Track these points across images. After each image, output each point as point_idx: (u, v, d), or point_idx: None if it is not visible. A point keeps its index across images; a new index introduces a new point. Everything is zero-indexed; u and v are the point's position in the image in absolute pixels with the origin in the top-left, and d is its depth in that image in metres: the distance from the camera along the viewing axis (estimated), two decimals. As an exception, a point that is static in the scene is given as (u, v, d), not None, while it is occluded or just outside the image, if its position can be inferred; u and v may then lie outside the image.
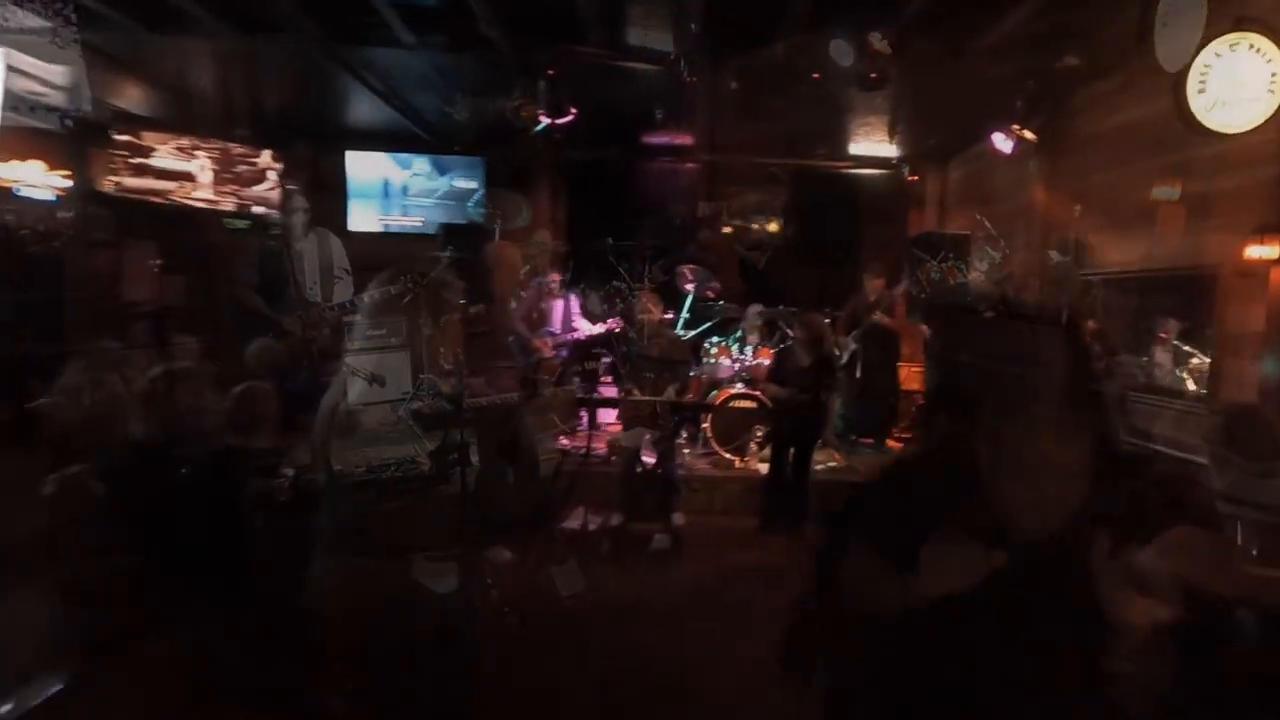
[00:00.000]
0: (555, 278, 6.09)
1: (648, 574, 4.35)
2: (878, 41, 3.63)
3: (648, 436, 4.73)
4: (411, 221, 7.41)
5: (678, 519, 4.93)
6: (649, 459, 4.89)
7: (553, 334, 6.07)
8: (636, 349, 4.52)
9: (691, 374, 5.41)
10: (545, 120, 4.76)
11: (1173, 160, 4.08)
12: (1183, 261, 4.04)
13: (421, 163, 7.33)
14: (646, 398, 4.60)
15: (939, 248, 4.55)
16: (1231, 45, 3.13)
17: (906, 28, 4.17)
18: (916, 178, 7.20)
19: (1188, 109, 3.20)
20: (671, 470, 4.90)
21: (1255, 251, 3.26)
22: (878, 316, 6.11)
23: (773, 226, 7.40)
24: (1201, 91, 3.17)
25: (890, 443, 6.59)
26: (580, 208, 7.51)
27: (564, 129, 5.13)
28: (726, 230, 7.18)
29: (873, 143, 6.76)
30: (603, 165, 7.34)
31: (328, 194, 7.28)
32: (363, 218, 7.34)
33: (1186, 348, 4.71)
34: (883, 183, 7.32)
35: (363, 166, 7.27)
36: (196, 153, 6.01)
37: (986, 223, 5.29)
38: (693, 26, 3.93)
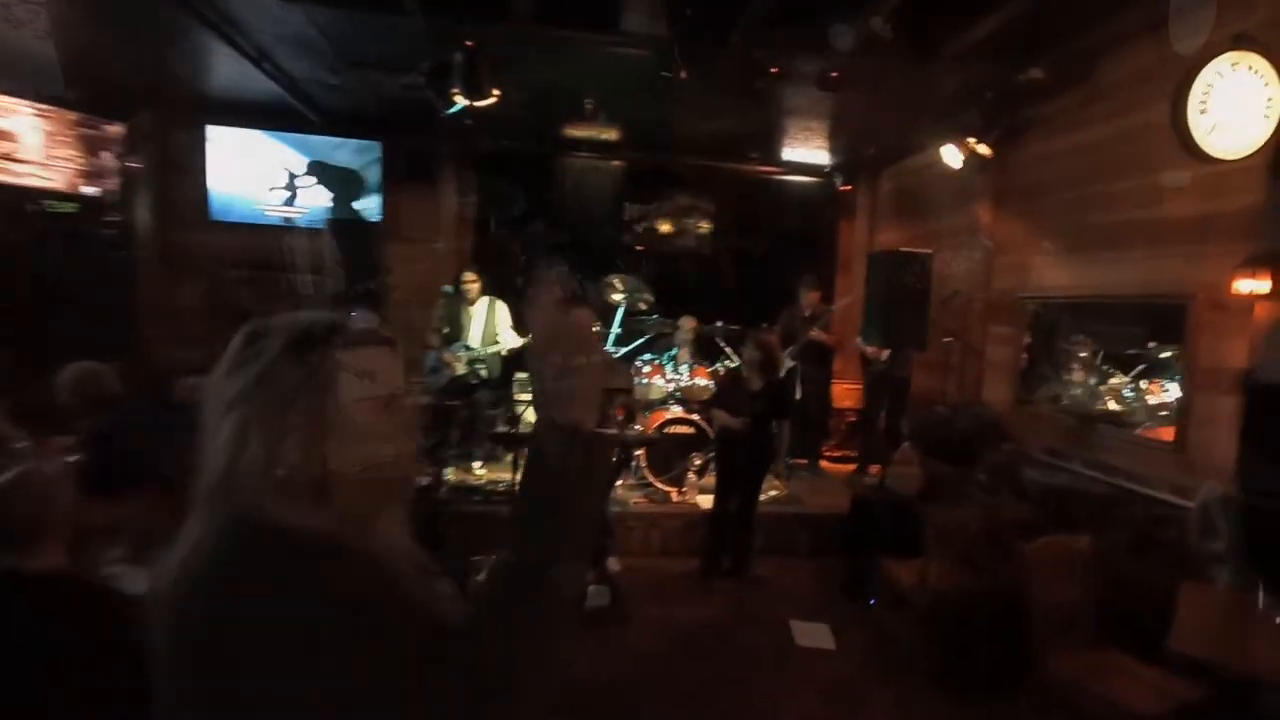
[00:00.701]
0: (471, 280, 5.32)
1: (585, 644, 3.71)
2: (879, 26, 3.17)
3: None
4: (287, 212, 6.32)
5: (613, 565, 4.33)
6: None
7: (468, 349, 5.29)
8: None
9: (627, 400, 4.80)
10: (460, 102, 3.98)
11: (1136, 184, 3.93)
12: (1145, 289, 3.89)
13: (301, 143, 6.25)
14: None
15: (899, 266, 4.19)
16: (1233, 64, 2.91)
17: (861, 33, 3.79)
18: (850, 187, 6.95)
19: (1188, 131, 2.95)
20: (605, 511, 4.28)
21: (1244, 285, 3.07)
22: (815, 333, 5.77)
23: (704, 228, 6.95)
24: (1203, 112, 2.93)
25: (823, 463, 6.32)
26: (493, 207, 6.70)
27: (482, 114, 4.37)
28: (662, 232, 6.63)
29: (808, 148, 6.42)
30: (520, 158, 6.57)
31: (182, 175, 6.09)
32: (228, 205, 6.18)
33: (1105, 367, 4.67)
34: (815, 191, 7.03)
35: (228, 145, 6.11)
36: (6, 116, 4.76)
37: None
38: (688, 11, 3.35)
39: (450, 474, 5.25)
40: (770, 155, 6.65)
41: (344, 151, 6.32)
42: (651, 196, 6.87)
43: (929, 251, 4.35)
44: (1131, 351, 4.34)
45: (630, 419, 4.16)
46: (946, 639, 3.21)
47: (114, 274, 5.51)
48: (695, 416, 5.23)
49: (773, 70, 4.04)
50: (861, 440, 5.84)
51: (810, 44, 4.02)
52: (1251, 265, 3.07)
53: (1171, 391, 4.06)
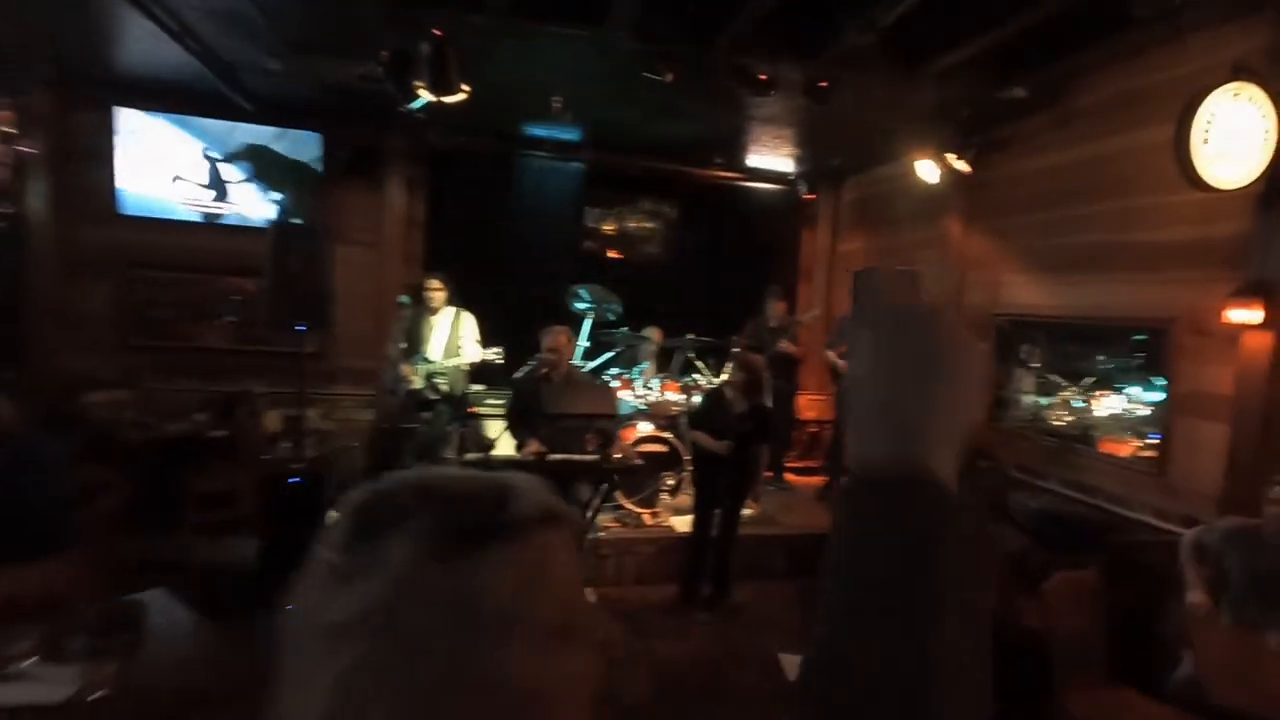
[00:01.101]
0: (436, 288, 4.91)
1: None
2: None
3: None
4: (212, 208, 5.69)
5: (588, 596, 4.04)
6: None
7: (428, 362, 4.87)
8: (545, 396, 3.54)
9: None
10: (425, 97, 3.60)
11: (1114, 207, 3.97)
12: (1123, 312, 3.92)
13: (228, 132, 5.64)
14: (557, 457, 3.65)
15: (886, 284, 4.09)
16: (1234, 94, 2.91)
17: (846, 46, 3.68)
18: (813, 196, 6.88)
19: (1191, 160, 2.93)
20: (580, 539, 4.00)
21: (1235, 315, 3.09)
22: (784, 345, 5.65)
23: (666, 234, 6.73)
24: (1206, 142, 2.92)
25: (788, 476, 6.23)
26: (446, 209, 6.24)
27: (437, 108, 3.98)
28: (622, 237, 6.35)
29: (774, 155, 6.30)
30: (475, 156, 6.15)
31: (85, 164, 5.39)
32: (140, 199, 5.50)
33: (1055, 377, 4.76)
34: (778, 199, 6.91)
35: (142, 132, 5.43)
36: None
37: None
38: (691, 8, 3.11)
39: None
40: (735, 161, 6.49)
41: (281, 144, 5.74)
42: (612, 200, 6.58)
43: (916, 269, 4.25)
44: (1080, 364, 4.43)
45: (607, 444, 3.89)
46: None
47: (3, 273, 4.81)
48: (668, 435, 5.01)
49: (761, 77, 3.84)
50: (829, 454, 5.76)
51: (800, 51, 3.86)
52: (1243, 295, 3.10)
53: (1117, 404, 4.14)
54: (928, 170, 4.92)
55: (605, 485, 3.75)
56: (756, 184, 6.83)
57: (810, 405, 6.61)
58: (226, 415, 5.48)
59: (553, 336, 3.90)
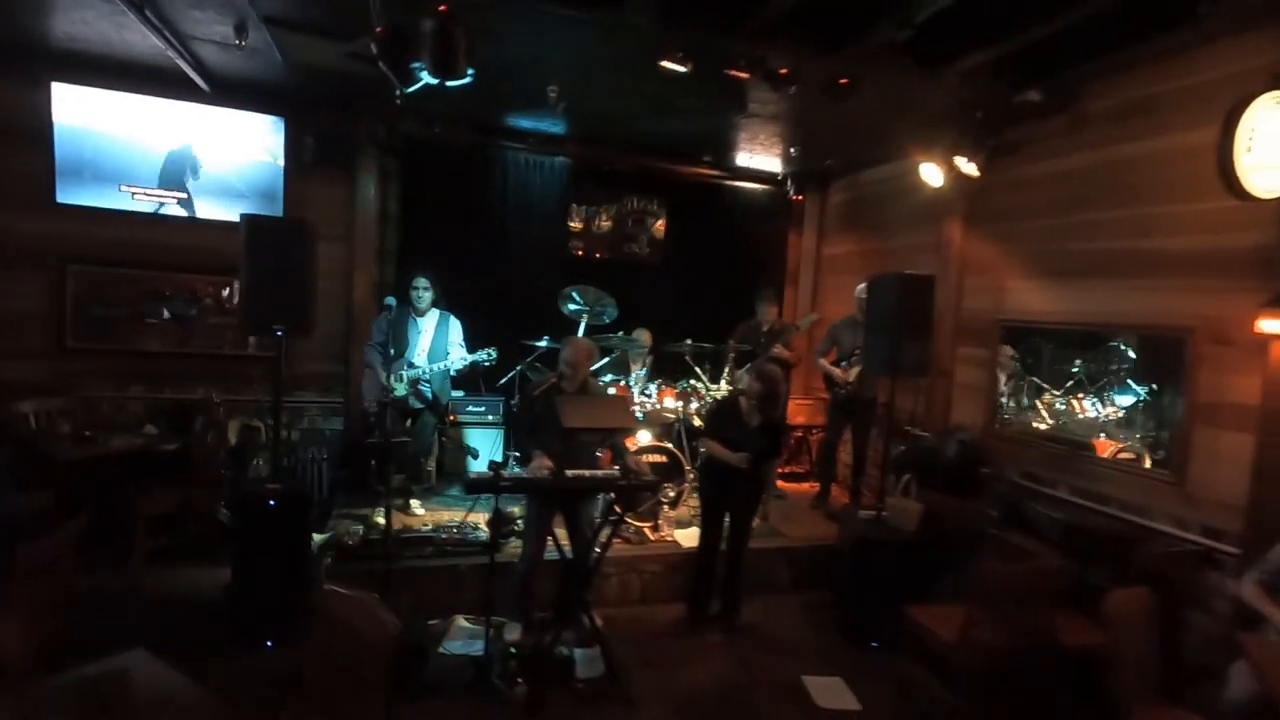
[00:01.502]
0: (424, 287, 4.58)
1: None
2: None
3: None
4: (166, 197, 5.17)
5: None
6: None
7: (412, 367, 4.52)
8: (562, 409, 3.25)
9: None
10: (426, 79, 3.26)
11: (1127, 214, 3.95)
12: (1138, 319, 3.91)
13: (182, 114, 5.12)
14: (574, 473, 3.38)
15: (902, 289, 3.95)
16: (1277, 102, 2.87)
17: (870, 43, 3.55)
18: (801, 198, 6.77)
19: (1234, 169, 2.89)
20: (586, 559, 3.75)
21: (1267, 325, 3.07)
22: (778, 350, 5.50)
23: (655, 232, 6.50)
24: (1249, 150, 2.88)
25: (779, 483, 6.09)
26: (422, 203, 5.85)
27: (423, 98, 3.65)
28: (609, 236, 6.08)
29: (766, 155, 6.15)
30: (453, 146, 5.77)
31: (17, 145, 4.81)
32: (83, 187, 4.93)
33: (1036, 380, 4.77)
34: (766, 200, 6.77)
35: (85, 110, 4.87)
36: None
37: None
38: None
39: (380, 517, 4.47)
40: (724, 160, 6.31)
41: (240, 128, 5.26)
42: (599, 197, 6.31)
43: (931, 275, 4.15)
44: (1082, 370, 4.43)
45: (620, 458, 3.64)
46: (1006, 705, 2.98)
47: None
48: (668, 445, 4.79)
49: (782, 71, 3.66)
50: (821, 462, 5.65)
51: (823, 46, 3.69)
52: (1275, 305, 3.08)
53: (1122, 410, 4.15)
54: (932, 173, 4.84)
55: (612, 503, 3.50)
56: (744, 184, 6.66)
57: (798, 410, 6.49)
58: (180, 426, 4.98)
59: (573, 350, 3.61)
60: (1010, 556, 3.48)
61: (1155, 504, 3.71)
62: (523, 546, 3.82)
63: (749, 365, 5.48)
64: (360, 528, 4.08)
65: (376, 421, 4.58)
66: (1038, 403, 4.73)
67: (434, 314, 4.71)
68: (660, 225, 6.54)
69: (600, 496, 4.27)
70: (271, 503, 3.44)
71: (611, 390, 4.98)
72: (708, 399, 5.22)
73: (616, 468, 3.57)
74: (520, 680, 3.27)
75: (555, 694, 3.28)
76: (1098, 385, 4.35)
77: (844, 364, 5.28)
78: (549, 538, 3.58)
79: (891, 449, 5.60)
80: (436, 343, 4.65)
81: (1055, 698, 2.99)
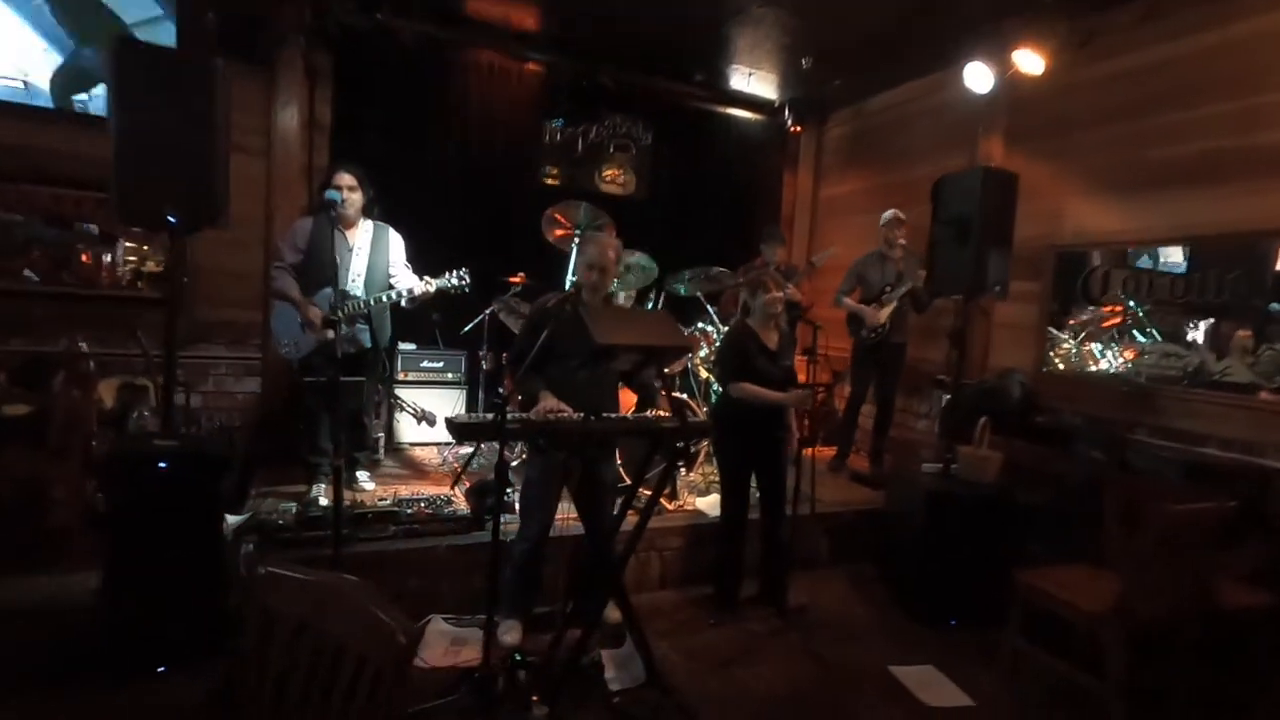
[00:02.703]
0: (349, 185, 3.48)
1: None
2: None
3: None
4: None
5: (611, 616, 2.91)
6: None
7: (348, 297, 3.44)
8: (588, 321, 2.32)
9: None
10: None
11: (1223, 109, 3.39)
12: (1237, 227, 3.35)
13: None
14: (618, 416, 2.48)
15: (981, 189, 3.23)
16: None
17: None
18: (800, 129, 6.04)
19: None
20: (604, 546, 2.87)
21: None
22: (791, 291, 4.75)
23: (641, 160, 5.61)
24: None
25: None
26: (362, 110, 4.74)
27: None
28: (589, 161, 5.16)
29: (761, 75, 5.38)
30: (402, 44, 4.69)
31: None
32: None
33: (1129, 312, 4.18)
34: (760, 131, 6.01)
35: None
36: None
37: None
38: None
39: (323, 496, 3.42)
40: (718, 78, 5.50)
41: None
42: (577, 115, 5.36)
43: (1015, 172, 3.45)
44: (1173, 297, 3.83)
45: (654, 394, 2.78)
46: (1182, 686, 2.30)
47: None
48: (678, 394, 3.94)
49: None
50: (843, 422, 4.94)
51: None
52: None
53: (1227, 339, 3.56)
54: (979, 77, 4.18)
55: (671, 454, 2.61)
56: (739, 112, 5.88)
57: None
58: (34, 384, 3.73)
59: (600, 248, 2.70)
60: (1142, 505, 2.83)
61: (1271, 439, 3.16)
62: (521, 521, 2.88)
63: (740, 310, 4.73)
64: (293, 505, 3.03)
65: (305, 369, 3.49)
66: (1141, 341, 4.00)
67: (366, 225, 3.60)
68: (645, 153, 5.66)
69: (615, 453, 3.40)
70: (162, 464, 2.37)
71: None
72: (717, 344, 4.41)
73: (654, 411, 2.69)
74: (536, 698, 2.35)
75: (588, 712, 2.39)
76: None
77: (875, 304, 4.58)
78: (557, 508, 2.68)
79: (931, 394, 4.98)
80: (374, 264, 3.56)
81: (1228, 672, 2.35)
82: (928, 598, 3.32)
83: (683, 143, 5.69)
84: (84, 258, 4.20)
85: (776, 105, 5.88)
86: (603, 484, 2.86)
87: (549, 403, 2.57)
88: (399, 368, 4.61)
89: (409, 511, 3.01)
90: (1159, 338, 3.74)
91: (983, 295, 3.29)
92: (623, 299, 4.37)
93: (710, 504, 3.77)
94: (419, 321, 4.65)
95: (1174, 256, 3.77)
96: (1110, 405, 3.79)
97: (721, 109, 5.80)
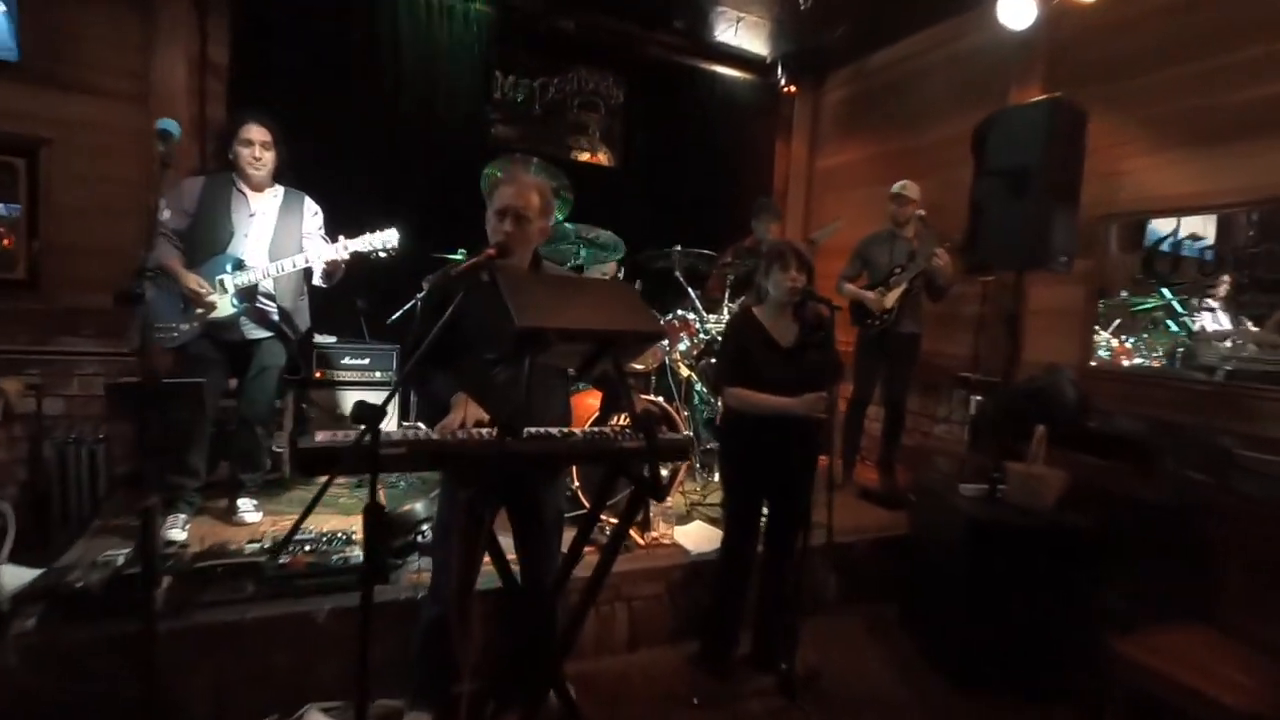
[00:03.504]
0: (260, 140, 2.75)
1: None
2: None
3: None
4: None
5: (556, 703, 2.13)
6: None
7: (240, 268, 2.66)
8: (505, 297, 1.55)
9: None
10: None
11: None
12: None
13: None
14: (534, 431, 1.70)
15: (1042, 124, 2.48)
16: None
17: None
18: (794, 89, 5.27)
19: None
20: (547, 595, 2.10)
21: None
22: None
23: (610, 121, 4.81)
24: None
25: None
26: (265, 50, 3.90)
27: None
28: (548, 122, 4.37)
29: (747, 26, 4.62)
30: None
31: None
32: None
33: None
34: (749, 93, 5.24)
35: None
36: None
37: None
38: None
39: (182, 530, 2.61)
40: (702, 28, 4.72)
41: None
42: (535, 66, 4.54)
43: (1084, 109, 2.70)
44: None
45: (620, 398, 2.02)
46: None
47: None
48: (658, 400, 3.17)
49: None
50: (846, 428, 4.19)
51: None
52: None
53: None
54: (1017, 10, 3.44)
55: (633, 483, 1.82)
56: (725, 69, 5.11)
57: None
58: None
59: (514, 187, 1.92)
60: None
61: None
62: (433, 574, 2.10)
63: (749, 294, 3.97)
64: (121, 555, 2.20)
65: (186, 362, 2.70)
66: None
67: (276, 190, 2.87)
68: (616, 114, 4.86)
69: (569, 478, 2.66)
70: None
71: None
72: (702, 336, 3.64)
73: (618, 420, 1.94)
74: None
75: None
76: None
77: (879, 289, 3.85)
78: (483, 553, 1.90)
79: (952, 395, 4.25)
80: (281, 233, 2.81)
81: None
82: (971, 656, 2.58)
83: (660, 103, 4.90)
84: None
85: (768, 61, 5.11)
86: (540, 522, 2.07)
87: (461, 413, 1.79)
88: (314, 364, 3.78)
89: (282, 561, 2.19)
90: (1190, 326, 3.05)
91: (1045, 268, 2.53)
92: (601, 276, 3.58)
93: (695, 537, 3.00)
94: (340, 309, 3.86)
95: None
96: (1181, 408, 3.07)
97: (705, 65, 5.02)
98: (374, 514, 1.52)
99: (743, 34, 4.75)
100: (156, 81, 3.63)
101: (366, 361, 3.88)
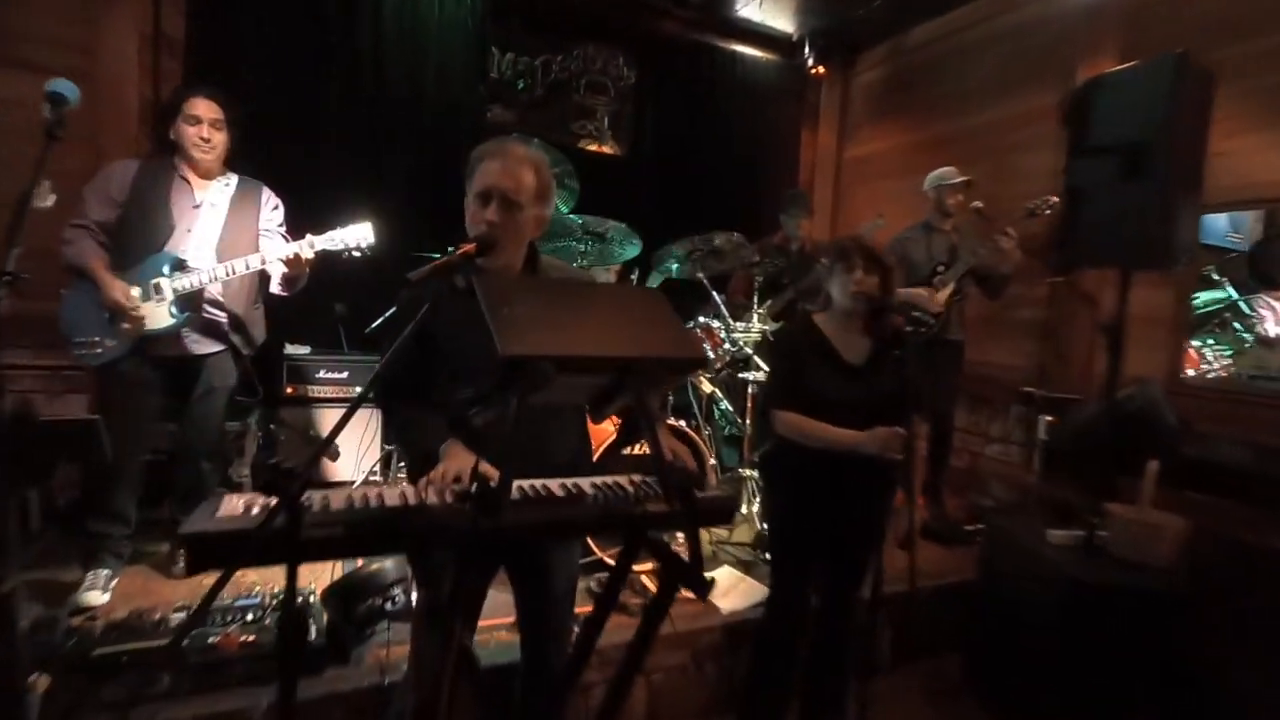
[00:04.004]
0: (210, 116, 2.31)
1: None
2: None
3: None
4: None
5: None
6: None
7: (177, 269, 2.20)
8: (491, 316, 1.10)
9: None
10: None
11: None
12: None
13: None
14: (537, 485, 1.24)
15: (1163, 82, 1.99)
16: None
17: None
18: (823, 70, 4.79)
19: None
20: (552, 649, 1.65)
21: None
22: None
23: (619, 103, 4.34)
24: None
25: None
26: (230, 25, 3.45)
27: None
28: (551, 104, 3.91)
29: (772, 3, 4.15)
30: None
31: None
32: None
33: None
34: (774, 75, 4.77)
35: None
36: None
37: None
38: None
39: (103, 592, 2.16)
40: (721, 6, 4.25)
41: None
42: (535, 44, 4.07)
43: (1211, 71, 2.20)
44: None
45: (640, 432, 1.55)
46: None
47: None
48: (682, 426, 2.70)
49: None
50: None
51: None
52: None
53: None
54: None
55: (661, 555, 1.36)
56: (746, 49, 4.63)
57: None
58: None
59: (501, 162, 1.46)
60: None
61: None
62: (411, 658, 1.65)
63: (777, 299, 3.50)
64: None
65: (112, 382, 2.25)
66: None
67: (228, 179, 2.40)
68: (627, 98, 4.38)
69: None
70: None
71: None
72: (727, 347, 3.16)
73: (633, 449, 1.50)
74: None
75: None
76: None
77: (928, 290, 3.37)
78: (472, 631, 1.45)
79: (1008, 412, 3.77)
80: (233, 229, 2.34)
81: None
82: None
83: (675, 85, 4.42)
84: None
85: (794, 39, 4.63)
86: (546, 593, 1.61)
87: (454, 466, 1.34)
88: (284, 379, 3.33)
89: (210, 640, 1.73)
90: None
91: (1163, 267, 2.05)
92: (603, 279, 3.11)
93: (726, 588, 2.53)
94: (316, 315, 3.41)
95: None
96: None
97: (725, 43, 4.54)
98: (291, 627, 1.06)
99: (767, 8, 4.28)
100: (105, 55, 3.18)
101: (345, 375, 3.41)
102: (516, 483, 1.34)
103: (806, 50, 4.64)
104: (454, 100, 3.78)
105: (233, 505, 1.19)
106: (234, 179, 2.44)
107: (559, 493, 1.34)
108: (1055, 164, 3.61)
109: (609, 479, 1.48)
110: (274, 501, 1.02)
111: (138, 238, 2.25)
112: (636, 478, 1.52)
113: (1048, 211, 3.10)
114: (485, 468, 1.38)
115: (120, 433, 2.06)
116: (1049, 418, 3.13)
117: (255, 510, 1.14)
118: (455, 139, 3.70)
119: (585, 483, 1.45)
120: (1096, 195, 2.11)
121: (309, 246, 2.28)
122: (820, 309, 2.13)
